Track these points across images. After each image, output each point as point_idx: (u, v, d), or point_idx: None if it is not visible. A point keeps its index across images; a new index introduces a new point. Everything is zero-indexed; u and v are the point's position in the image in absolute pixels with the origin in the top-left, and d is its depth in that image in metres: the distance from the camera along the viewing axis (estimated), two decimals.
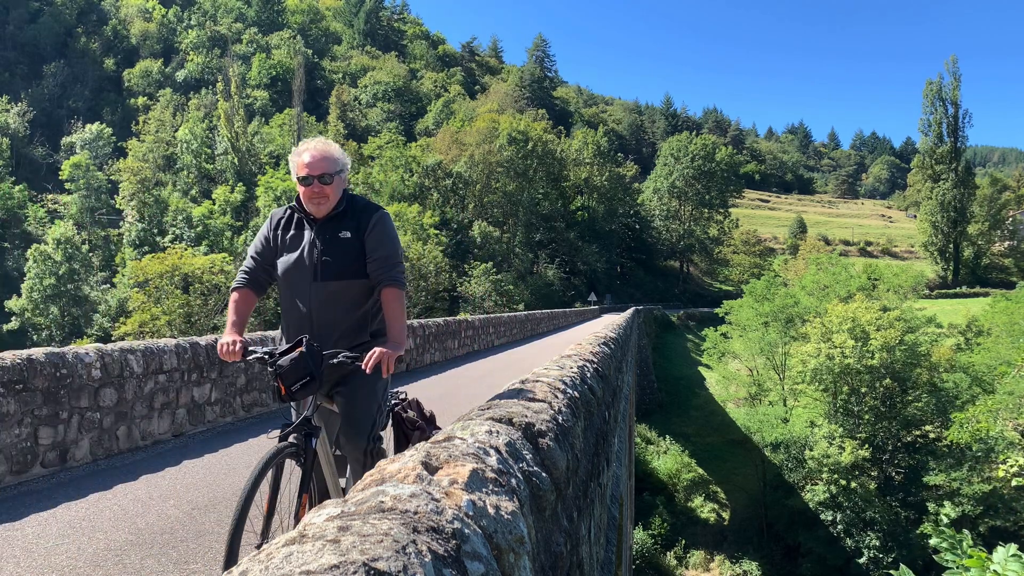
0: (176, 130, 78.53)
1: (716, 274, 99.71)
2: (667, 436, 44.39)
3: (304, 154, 3.30)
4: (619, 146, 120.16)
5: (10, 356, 5.44)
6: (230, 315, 3.35)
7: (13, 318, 48.86)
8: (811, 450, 35.00)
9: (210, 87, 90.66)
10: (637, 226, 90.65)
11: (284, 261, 3.31)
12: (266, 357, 3.07)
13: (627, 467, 13.32)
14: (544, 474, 2.19)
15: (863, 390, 36.48)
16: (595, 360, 5.66)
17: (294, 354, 2.96)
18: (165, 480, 5.47)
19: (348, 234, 3.27)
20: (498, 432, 2.16)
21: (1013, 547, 3.21)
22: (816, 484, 34.97)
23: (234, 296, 3.40)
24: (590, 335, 9.81)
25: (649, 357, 50.83)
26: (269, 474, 2.84)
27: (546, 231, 71.72)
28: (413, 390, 10.98)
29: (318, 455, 3.12)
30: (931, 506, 31.52)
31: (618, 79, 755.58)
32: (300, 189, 3.31)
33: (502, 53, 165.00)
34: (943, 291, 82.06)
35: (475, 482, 1.66)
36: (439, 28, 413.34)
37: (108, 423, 6.29)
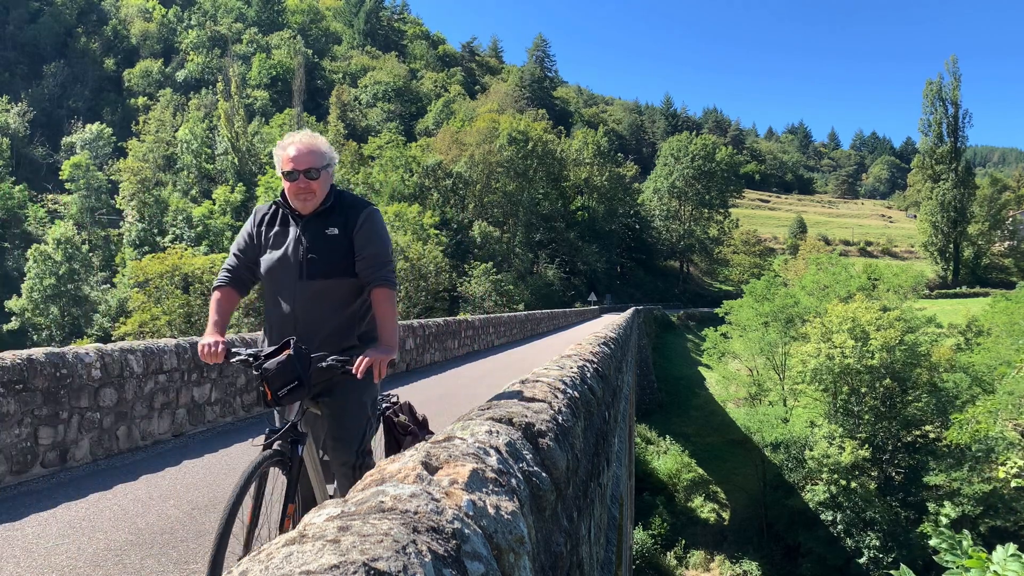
0: (176, 130, 78.63)
1: (716, 274, 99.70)
2: (667, 436, 44.37)
3: (289, 147, 3.15)
4: (619, 146, 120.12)
5: (10, 356, 5.43)
6: (211, 315, 3.19)
7: (13, 318, 48.91)
8: (811, 450, 35.00)
9: (210, 87, 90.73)
10: (637, 226, 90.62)
11: (268, 259, 3.16)
12: (251, 359, 2.91)
13: (627, 467, 13.32)
14: (544, 474, 2.19)
15: (863, 390, 36.47)
16: (595, 360, 5.66)
17: (281, 357, 2.81)
18: (165, 480, 5.47)
19: (336, 231, 3.12)
20: (498, 432, 2.16)
21: (1013, 547, 3.20)
22: (816, 484, 34.97)
23: (216, 295, 3.24)
24: (590, 335, 9.81)
25: (649, 357, 50.81)
26: (253, 486, 2.69)
27: (546, 231, 71.68)
28: (413, 390, 11.00)
29: (304, 463, 2.97)
30: (931, 506, 31.57)
31: (618, 79, 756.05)
32: (285, 184, 3.17)
33: (502, 53, 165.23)
34: (943, 291, 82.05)
35: (475, 482, 1.67)
36: (439, 28, 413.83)
37: (108, 423, 6.29)
